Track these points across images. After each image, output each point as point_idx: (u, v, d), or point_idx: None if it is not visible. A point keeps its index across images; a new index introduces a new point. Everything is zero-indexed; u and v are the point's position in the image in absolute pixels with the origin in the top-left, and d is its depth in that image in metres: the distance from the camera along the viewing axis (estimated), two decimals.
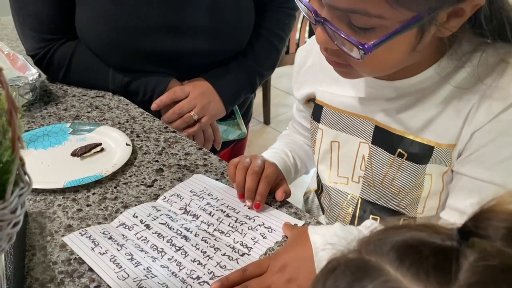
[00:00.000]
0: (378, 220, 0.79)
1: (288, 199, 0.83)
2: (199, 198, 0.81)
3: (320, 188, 0.92)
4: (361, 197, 0.82)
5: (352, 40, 0.58)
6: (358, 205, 0.83)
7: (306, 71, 0.87)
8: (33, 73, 1.08)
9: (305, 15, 0.65)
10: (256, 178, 0.79)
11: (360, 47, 0.58)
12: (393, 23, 0.56)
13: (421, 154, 0.72)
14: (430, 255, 0.30)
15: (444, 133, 0.69)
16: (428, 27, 0.58)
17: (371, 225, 0.68)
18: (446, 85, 0.68)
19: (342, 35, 0.59)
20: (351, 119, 0.79)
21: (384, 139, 0.75)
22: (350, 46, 0.60)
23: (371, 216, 0.81)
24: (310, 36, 2.55)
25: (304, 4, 0.62)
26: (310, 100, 0.87)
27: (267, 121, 2.92)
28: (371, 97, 0.75)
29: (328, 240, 0.64)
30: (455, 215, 0.70)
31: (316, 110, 0.84)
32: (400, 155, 0.74)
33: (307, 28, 2.64)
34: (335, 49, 0.63)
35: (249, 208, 0.79)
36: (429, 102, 0.70)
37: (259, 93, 2.76)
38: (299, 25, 2.59)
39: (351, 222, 0.84)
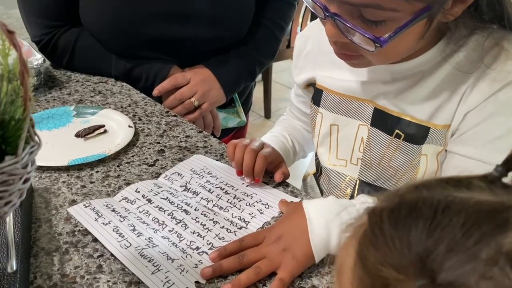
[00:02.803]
0: None
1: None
2: (199, 176, 0.83)
3: (319, 171, 0.94)
4: (359, 179, 0.84)
5: (367, 34, 0.59)
6: (356, 187, 0.85)
7: (305, 56, 0.89)
8: (38, 58, 1.10)
9: (312, 10, 0.65)
10: (254, 155, 0.80)
11: (376, 41, 0.59)
12: (405, 14, 0.58)
13: (417, 135, 0.74)
14: None
15: (440, 114, 0.71)
16: (436, 14, 0.60)
17: (365, 200, 0.70)
18: (442, 67, 0.70)
19: (357, 30, 0.59)
20: (350, 102, 0.81)
21: (382, 121, 0.77)
22: (364, 39, 0.60)
23: None
24: None
25: (312, 0, 0.62)
26: (310, 84, 0.89)
27: (268, 115, 2.95)
28: (370, 80, 0.77)
29: (322, 211, 0.66)
30: None
31: (316, 94, 0.86)
32: (398, 136, 0.76)
33: (309, 22, 2.65)
34: (346, 41, 0.64)
35: (247, 186, 0.81)
36: (426, 84, 0.71)
37: (260, 87, 2.78)
38: (300, 19, 2.60)
39: None
